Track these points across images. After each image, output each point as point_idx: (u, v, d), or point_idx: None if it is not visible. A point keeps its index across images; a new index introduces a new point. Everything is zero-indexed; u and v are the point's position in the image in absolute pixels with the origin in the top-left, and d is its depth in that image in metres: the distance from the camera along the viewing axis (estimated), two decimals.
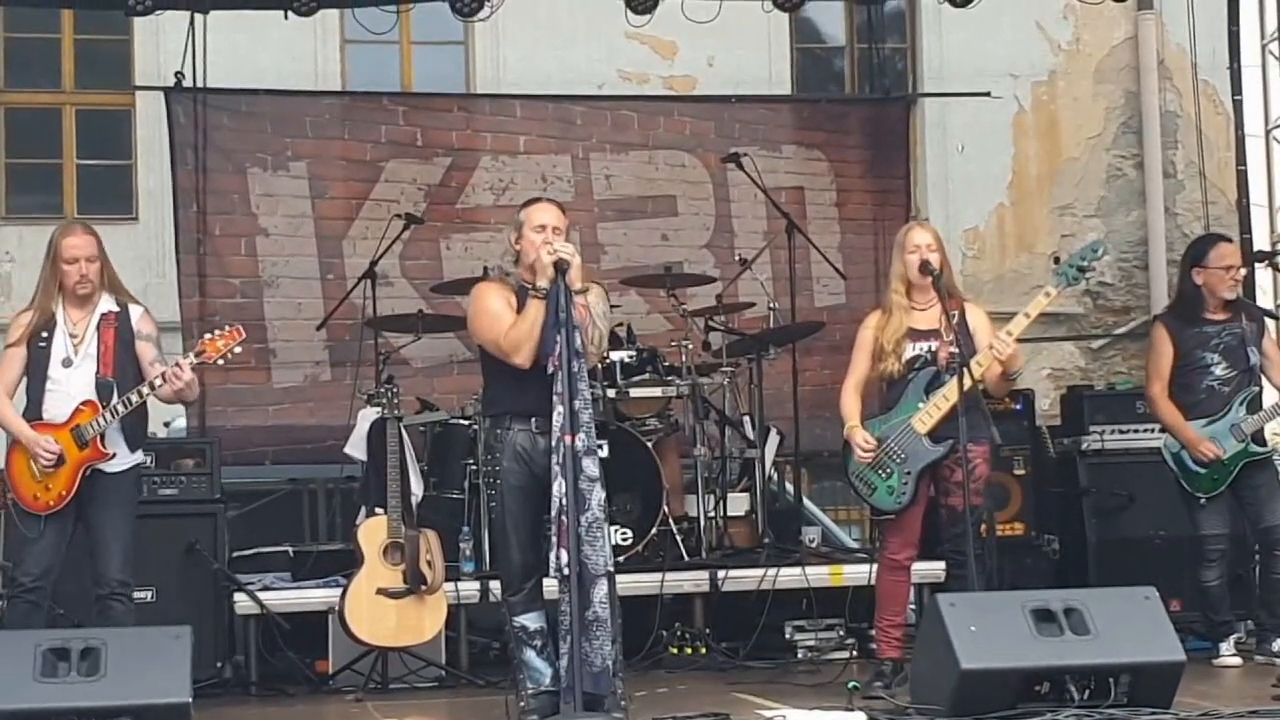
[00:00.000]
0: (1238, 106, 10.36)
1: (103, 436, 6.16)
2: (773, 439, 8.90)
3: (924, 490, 6.59)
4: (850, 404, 6.66)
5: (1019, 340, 6.53)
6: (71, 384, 6.21)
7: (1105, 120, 12.36)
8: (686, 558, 8.24)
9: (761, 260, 9.49)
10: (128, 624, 6.07)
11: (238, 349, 6.32)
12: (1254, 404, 7.34)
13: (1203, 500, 7.26)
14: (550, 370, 5.73)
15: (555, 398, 5.68)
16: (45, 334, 6.23)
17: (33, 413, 6.22)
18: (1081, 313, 12.01)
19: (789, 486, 9.50)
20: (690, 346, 8.65)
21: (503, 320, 5.95)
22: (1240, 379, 7.28)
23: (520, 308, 5.93)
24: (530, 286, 5.90)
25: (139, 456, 6.42)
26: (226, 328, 6.39)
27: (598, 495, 5.69)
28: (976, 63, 11.62)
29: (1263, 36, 10.58)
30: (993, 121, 11.97)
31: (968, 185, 12.05)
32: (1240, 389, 7.28)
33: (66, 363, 6.23)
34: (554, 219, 6.04)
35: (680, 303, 8.96)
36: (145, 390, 6.18)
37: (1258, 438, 7.30)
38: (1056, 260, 6.70)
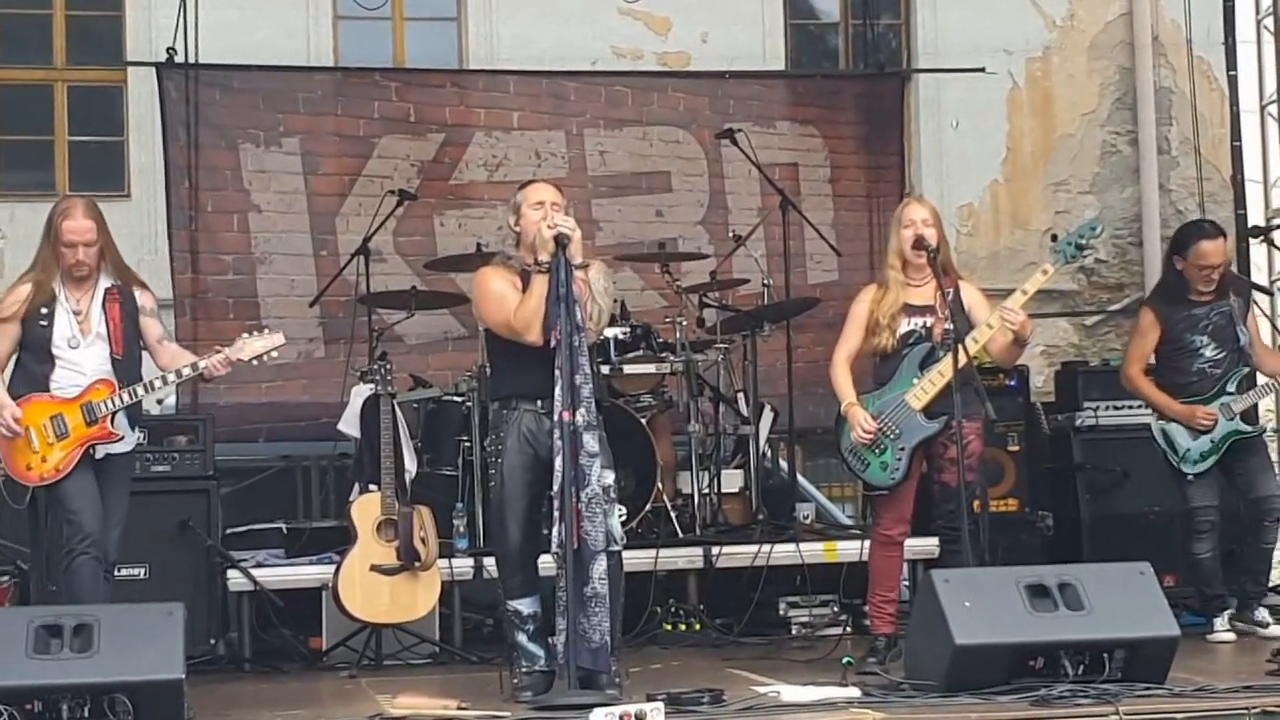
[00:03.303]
0: (1232, 82, 10.42)
1: (113, 417, 6.12)
2: (767, 415, 8.91)
3: (917, 466, 6.61)
4: (843, 379, 6.65)
5: None
6: (84, 363, 6.15)
7: (1100, 96, 12.34)
8: (680, 534, 8.27)
9: (756, 237, 9.50)
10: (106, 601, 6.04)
11: (275, 354, 6.38)
12: (1243, 385, 7.40)
13: (1191, 476, 7.33)
14: (552, 345, 5.75)
15: (556, 372, 5.71)
16: (45, 311, 6.14)
17: (40, 386, 6.12)
18: (1076, 289, 12.02)
19: (783, 463, 9.51)
20: (684, 323, 8.68)
21: (509, 301, 5.98)
22: (1230, 359, 7.34)
23: (525, 288, 5.95)
24: (533, 265, 5.92)
25: (138, 435, 6.43)
26: (265, 331, 6.46)
27: (598, 472, 5.71)
28: (971, 38, 11.62)
29: (1258, 12, 10.62)
30: (987, 98, 11.97)
31: (962, 161, 12.05)
32: (1230, 369, 7.35)
33: (73, 343, 6.15)
34: (552, 195, 6.08)
35: (674, 279, 8.98)
36: (171, 377, 6.20)
37: (1247, 416, 7.39)
38: (1054, 238, 6.72)
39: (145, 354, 6.36)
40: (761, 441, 8.88)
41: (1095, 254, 11.13)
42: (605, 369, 8.24)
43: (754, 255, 9.42)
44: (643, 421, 8.27)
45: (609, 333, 8.20)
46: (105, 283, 6.24)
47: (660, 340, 8.61)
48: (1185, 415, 7.29)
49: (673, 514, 8.33)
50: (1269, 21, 10.50)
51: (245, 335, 6.40)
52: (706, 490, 8.60)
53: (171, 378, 6.22)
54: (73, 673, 5.24)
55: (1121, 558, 6.74)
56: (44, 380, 6.12)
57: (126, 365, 6.18)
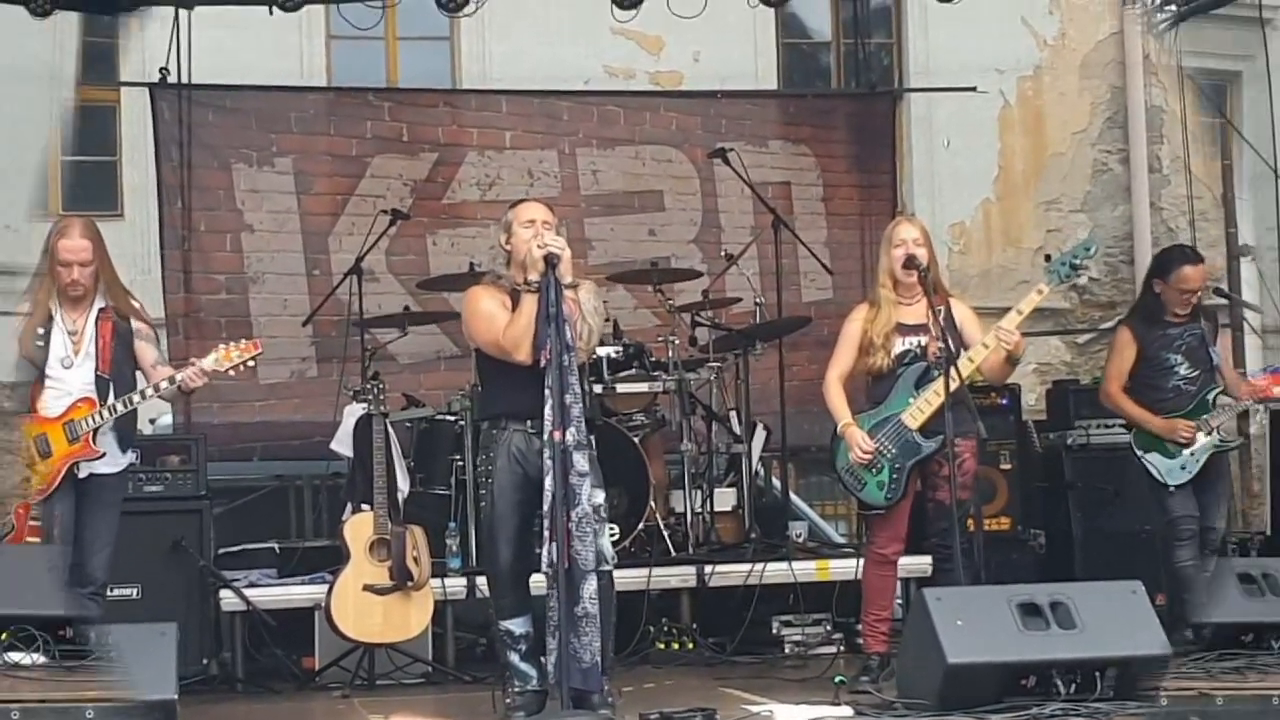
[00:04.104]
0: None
1: (95, 433, 6.21)
2: (759, 434, 8.91)
3: (913, 485, 6.64)
4: (838, 399, 6.67)
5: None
6: (71, 383, 6.26)
7: (1091, 115, 12.46)
8: (673, 553, 8.26)
9: (748, 255, 9.49)
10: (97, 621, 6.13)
11: (252, 363, 6.48)
12: (1217, 402, 7.54)
13: (1172, 487, 7.45)
14: (542, 364, 5.74)
15: (546, 392, 5.69)
16: (42, 331, 6.27)
17: (28, 407, 6.30)
18: (1068, 308, 12.09)
19: (776, 481, 9.52)
20: (677, 342, 8.66)
21: (499, 320, 5.98)
22: (1204, 377, 7.47)
23: (515, 308, 5.95)
24: (523, 285, 5.91)
25: (130, 457, 6.49)
26: (243, 341, 6.55)
27: (588, 491, 5.71)
28: (962, 57, 11.64)
29: None
30: (979, 116, 12.04)
31: (954, 180, 12.11)
32: (1205, 387, 7.47)
33: (66, 362, 6.27)
34: (543, 214, 6.09)
35: (667, 298, 8.95)
36: (149, 392, 6.30)
37: (1226, 429, 7.58)
38: (1048, 258, 6.76)
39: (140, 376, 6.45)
40: (754, 460, 8.86)
41: (1089, 273, 11.19)
42: (598, 388, 8.24)
43: (746, 274, 9.38)
44: (635, 440, 8.24)
45: (601, 351, 8.20)
46: (100, 303, 6.33)
47: (653, 359, 8.60)
48: (1166, 430, 7.39)
49: (665, 533, 8.31)
50: None
51: (222, 345, 6.48)
52: (699, 509, 8.57)
53: (149, 392, 6.31)
54: None
55: (1114, 575, 6.77)
56: (32, 400, 6.26)
57: (112, 384, 6.27)
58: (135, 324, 6.41)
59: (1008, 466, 8.86)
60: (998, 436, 8.55)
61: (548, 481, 5.67)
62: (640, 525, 8.18)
